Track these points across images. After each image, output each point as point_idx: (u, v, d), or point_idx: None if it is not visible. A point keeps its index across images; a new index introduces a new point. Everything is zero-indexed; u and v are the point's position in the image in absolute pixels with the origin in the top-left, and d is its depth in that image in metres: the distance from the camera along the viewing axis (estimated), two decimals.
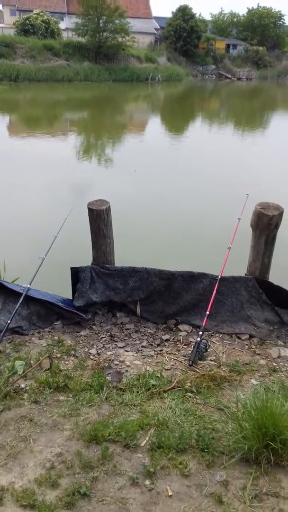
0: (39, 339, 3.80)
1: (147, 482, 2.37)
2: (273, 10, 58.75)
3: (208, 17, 59.77)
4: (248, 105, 31.98)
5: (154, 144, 16.72)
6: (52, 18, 40.39)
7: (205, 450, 2.54)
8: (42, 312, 4.07)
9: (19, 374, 3.18)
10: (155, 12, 54.24)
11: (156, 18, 52.98)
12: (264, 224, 3.89)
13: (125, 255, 4.87)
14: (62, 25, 43.17)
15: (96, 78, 36.38)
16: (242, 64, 52.11)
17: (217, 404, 2.96)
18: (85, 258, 4.36)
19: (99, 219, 4.13)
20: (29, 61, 34.59)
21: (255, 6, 59.86)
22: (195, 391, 3.10)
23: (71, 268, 4.21)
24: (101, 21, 38.36)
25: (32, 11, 40.92)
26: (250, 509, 2.22)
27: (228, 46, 54.49)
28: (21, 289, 3.98)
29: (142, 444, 2.61)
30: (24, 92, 30.10)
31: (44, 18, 39.14)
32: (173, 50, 47.64)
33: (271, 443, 2.39)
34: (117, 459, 2.50)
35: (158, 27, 51.56)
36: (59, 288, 4.44)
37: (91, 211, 4.12)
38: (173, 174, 11.74)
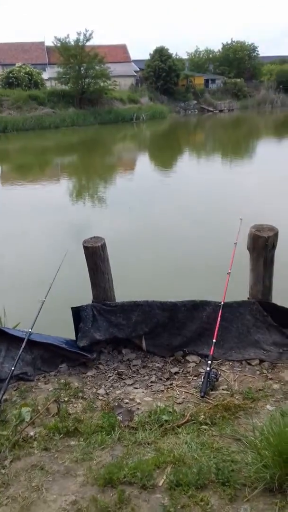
0: (45, 383, 3.71)
1: None
2: (246, 44, 60.78)
3: (184, 56, 61.79)
4: (233, 135, 32.71)
5: (144, 181, 16.97)
6: (35, 70, 41.77)
7: (226, 484, 2.43)
8: (46, 355, 3.99)
9: (26, 422, 3.08)
10: (133, 55, 56.21)
11: (135, 61, 54.93)
12: (261, 246, 3.89)
13: (125, 290, 4.84)
14: (45, 75, 44.58)
15: (82, 123, 37.32)
16: (222, 96, 53.67)
17: (233, 434, 2.85)
18: (85, 297, 4.33)
19: (95, 256, 4.12)
20: (15, 112, 35.55)
21: (229, 41, 61.82)
22: (209, 422, 3.00)
23: (72, 308, 4.17)
24: (82, 68, 39.68)
25: (14, 64, 42.37)
26: None
27: (206, 81, 56.24)
28: (23, 334, 3.91)
29: (160, 484, 2.49)
30: (13, 142, 30.78)
31: (27, 70, 40.48)
32: (154, 90, 49.12)
33: None
34: (135, 501, 2.39)
35: (138, 69, 53.35)
36: (61, 329, 4.38)
37: (86, 248, 4.12)
38: (166, 207, 11.86)
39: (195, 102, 51.98)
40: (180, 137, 33.38)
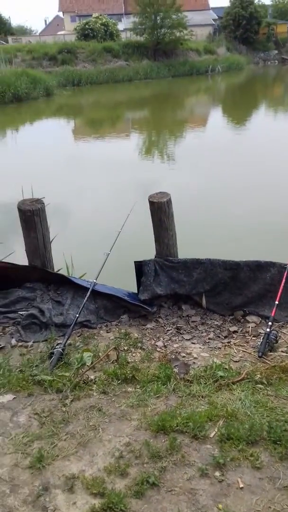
0: (107, 332, 3.86)
1: (217, 473, 2.32)
2: None
3: (268, 1, 57.50)
4: None
5: (216, 137, 16.44)
6: (111, 20, 40.91)
7: (278, 443, 2.44)
8: (109, 306, 4.13)
9: (87, 365, 3.25)
10: (212, 3, 53.50)
11: (214, 9, 52.13)
12: None
13: (189, 248, 4.82)
14: (120, 26, 43.65)
15: (156, 75, 36.39)
16: None
17: None
18: (148, 252, 4.37)
19: (160, 211, 4.11)
20: (90, 64, 35.33)
21: None
22: (265, 382, 3.00)
23: (135, 262, 4.24)
24: (158, 18, 38.21)
25: (91, 15, 41.79)
26: None
27: None
28: (88, 284, 4.06)
29: (211, 435, 2.56)
30: (86, 96, 30.83)
31: (103, 21, 39.77)
32: (233, 39, 46.52)
33: None
34: (185, 449, 2.47)
35: (216, 17, 50.65)
36: (124, 282, 4.48)
37: (152, 203, 4.12)
38: (236, 166, 11.47)
39: (276, 52, 48.73)
40: (256, 90, 31.67)
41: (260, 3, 51.59)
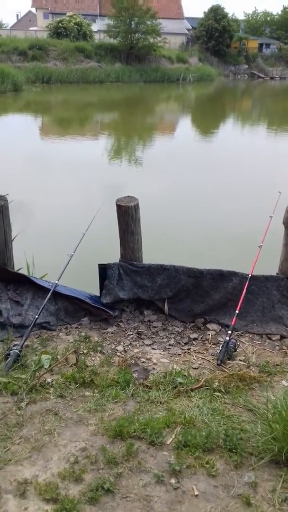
0: (66, 334, 3.80)
1: (173, 480, 2.31)
2: None
3: (241, 16, 59.31)
4: (281, 105, 31.43)
5: (184, 144, 16.62)
6: (85, 21, 40.78)
7: (233, 451, 2.47)
8: (70, 308, 4.07)
9: (45, 368, 3.18)
10: (187, 13, 54.33)
11: (188, 19, 52.95)
12: None
13: (153, 253, 4.83)
14: (94, 27, 43.57)
15: (127, 79, 36.55)
16: (275, 63, 51.49)
17: (246, 404, 2.87)
18: (113, 255, 4.34)
19: (127, 215, 4.10)
20: (61, 63, 35.06)
21: None
22: (223, 390, 3.02)
23: (99, 265, 4.20)
24: (132, 23, 38.51)
25: (65, 14, 41.49)
26: None
27: (261, 45, 53.92)
28: (49, 285, 3.99)
29: (168, 442, 2.55)
30: (56, 94, 30.51)
31: (77, 20, 39.58)
32: (205, 50, 47.47)
33: None
34: (142, 456, 2.46)
35: (190, 27, 51.47)
36: (86, 284, 4.43)
37: (119, 207, 4.09)
38: (203, 173, 11.63)
39: (246, 66, 50.11)
40: (226, 102, 32.33)
41: (234, 17, 52.98)
